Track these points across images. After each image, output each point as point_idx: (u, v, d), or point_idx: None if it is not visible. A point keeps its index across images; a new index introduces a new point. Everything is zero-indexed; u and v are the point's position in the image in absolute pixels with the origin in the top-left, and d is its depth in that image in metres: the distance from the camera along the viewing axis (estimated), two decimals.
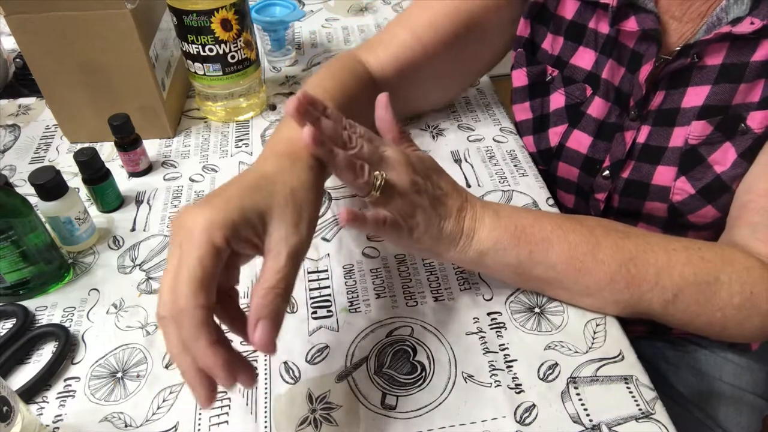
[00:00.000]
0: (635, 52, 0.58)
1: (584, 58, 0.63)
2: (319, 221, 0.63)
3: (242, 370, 0.36)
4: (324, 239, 0.62)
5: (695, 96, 0.56)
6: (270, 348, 0.37)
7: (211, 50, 0.69)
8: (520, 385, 0.48)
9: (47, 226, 0.57)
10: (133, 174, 0.70)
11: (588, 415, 0.46)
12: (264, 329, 0.37)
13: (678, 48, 0.56)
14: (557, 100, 0.66)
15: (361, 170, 0.42)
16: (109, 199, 0.65)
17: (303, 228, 0.40)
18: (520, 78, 0.68)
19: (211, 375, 0.35)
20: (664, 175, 0.60)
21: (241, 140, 0.75)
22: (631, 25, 0.57)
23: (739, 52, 0.53)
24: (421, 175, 0.47)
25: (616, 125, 0.62)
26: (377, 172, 0.44)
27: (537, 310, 0.54)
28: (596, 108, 0.63)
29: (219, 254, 0.36)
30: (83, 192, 0.66)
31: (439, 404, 0.47)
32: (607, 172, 0.64)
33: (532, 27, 0.66)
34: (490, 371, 0.49)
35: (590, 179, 0.66)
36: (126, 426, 0.47)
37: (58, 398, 0.49)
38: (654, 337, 0.73)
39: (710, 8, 0.55)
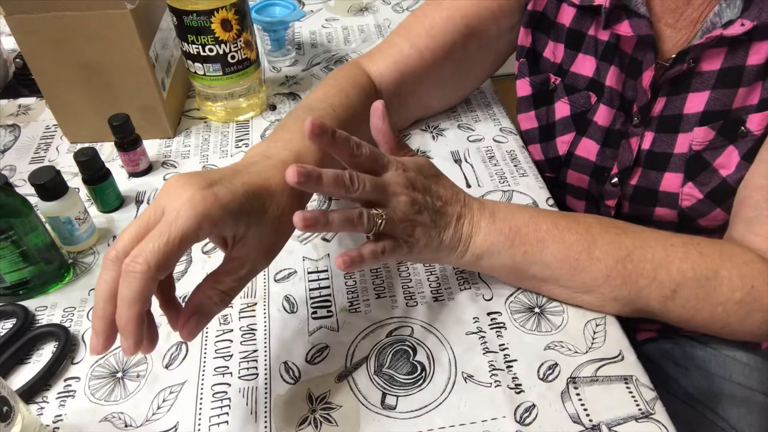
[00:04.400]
0: (634, 58, 0.58)
1: (584, 66, 0.63)
2: None
3: (146, 348, 0.38)
4: (324, 239, 0.62)
5: (696, 102, 0.56)
6: (191, 339, 0.40)
7: (211, 50, 0.69)
8: (520, 385, 0.48)
9: (47, 226, 0.57)
10: (133, 174, 0.70)
11: (588, 415, 0.46)
12: (195, 324, 0.40)
13: (674, 56, 0.56)
14: (562, 109, 0.66)
15: (359, 220, 0.43)
16: (109, 199, 0.65)
17: (273, 256, 0.44)
18: (524, 88, 0.69)
19: (121, 334, 0.37)
20: (671, 181, 0.60)
21: (241, 140, 0.75)
22: (624, 29, 0.57)
23: (735, 57, 0.53)
24: (421, 190, 0.47)
25: (622, 132, 0.62)
26: (376, 213, 0.44)
27: (537, 310, 0.54)
28: (602, 115, 0.63)
29: (197, 240, 0.38)
30: (83, 192, 0.66)
31: (439, 404, 0.47)
32: (615, 179, 0.64)
33: (532, 36, 0.66)
34: (490, 371, 0.49)
35: (600, 186, 0.66)
36: (126, 426, 0.47)
37: (58, 398, 0.49)
38: (661, 339, 0.73)
39: (702, 14, 0.55)
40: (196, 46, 0.69)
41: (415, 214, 0.46)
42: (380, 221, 0.44)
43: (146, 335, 0.38)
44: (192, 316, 0.40)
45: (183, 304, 0.41)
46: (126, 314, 0.36)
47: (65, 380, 0.50)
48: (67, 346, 0.52)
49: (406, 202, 0.45)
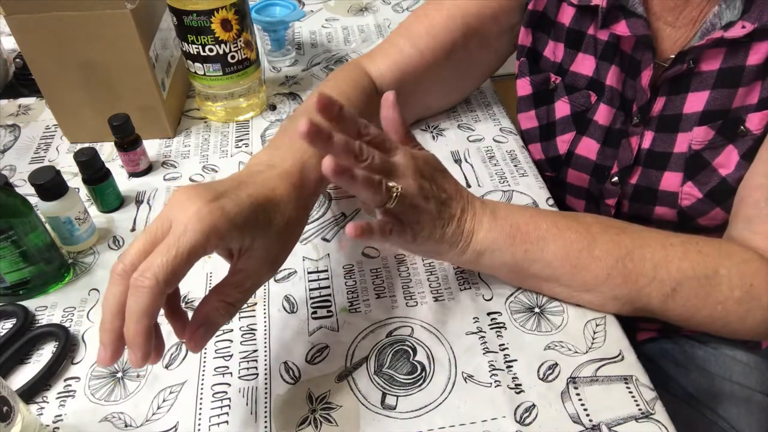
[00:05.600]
0: (633, 58, 0.58)
1: (584, 65, 0.63)
2: (319, 221, 0.64)
3: (153, 359, 0.38)
4: (324, 239, 0.62)
5: (695, 102, 0.56)
6: (198, 351, 0.41)
7: (211, 50, 0.69)
8: (520, 385, 0.48)
9: (47, 226, 0.57)
10: (133, 174, 0.70)
11: (588, 415, 0.46)
12: (202, 336, 0.40)
13: (673, 56, 0.56)
14: (562, 108, 0.66)
15: (379, 186, 0.43)
16: (109, 199, 0.65)
17: (278, 266, 0.44)
18: (524, 87, 0.69)
19: (129, 348, 0.37)
20: (671, 180, 0.60)
21: (241, 140, 0.75)
22: (621, 29, 0.57)
23: (735, 57, 0.53)
24: (428, 179, 0.48)
25: (622, 131, 0.62)
26: (392, 184, 0.44)
27: (537, 310, 0.54)
28: (602, 114, 0.63)
29: (204, 254, 0.38)
30: (83, 192, 0.66)
31: (439, 404, 0.47)
32: (615, 178, 0.64)
33: (533, 35, 0.66)
34: (490, 371, 0.49)
35: (600, 185, 0.66)
36: (126, 426, 0.47)
37: (58, 398, 0.49)
38: (661, 339, 0.73)
39: (702, 13, 0.55)
40: (196, 46, 0.69)
41: (422, 200, 0.46)
42: (395, 194, 0.44)
43: (152, 359, 0.38)
44: (199, 328, 0.40)
45: (185, 307, 0.41)
46: (134, 328, 0.36)
47: (65, 380, 0.50)
48: (67, 346, 0.52)
49: (414, 186, 0.46)
